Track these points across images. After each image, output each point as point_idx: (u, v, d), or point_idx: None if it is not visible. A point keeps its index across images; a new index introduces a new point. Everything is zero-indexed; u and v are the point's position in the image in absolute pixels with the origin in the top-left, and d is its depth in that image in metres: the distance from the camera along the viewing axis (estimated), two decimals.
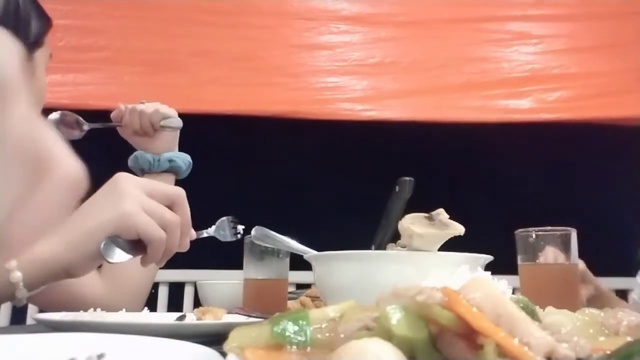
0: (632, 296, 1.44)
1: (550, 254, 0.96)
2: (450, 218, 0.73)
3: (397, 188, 0.81)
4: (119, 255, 0.66)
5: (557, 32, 2.38)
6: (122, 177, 0.71)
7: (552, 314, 0.42)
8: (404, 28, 2.37)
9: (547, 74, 2.33)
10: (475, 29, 2.38)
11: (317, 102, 2.24)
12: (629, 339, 0.36)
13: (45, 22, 0.91)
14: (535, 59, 2.35)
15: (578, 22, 2.39)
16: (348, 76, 2.31)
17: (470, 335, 0.28)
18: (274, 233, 0.92)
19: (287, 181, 2.13)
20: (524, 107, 2.29)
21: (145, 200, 0.68)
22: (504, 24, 2.40)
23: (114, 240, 0.66)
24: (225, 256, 1.41)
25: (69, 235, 0.68)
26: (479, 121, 2.24)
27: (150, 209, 0.68)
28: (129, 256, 0.67)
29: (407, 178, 0.81)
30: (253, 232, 0.92)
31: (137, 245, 0.68)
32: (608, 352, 0.31)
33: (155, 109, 1.13)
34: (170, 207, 0.71)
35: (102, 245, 0.65)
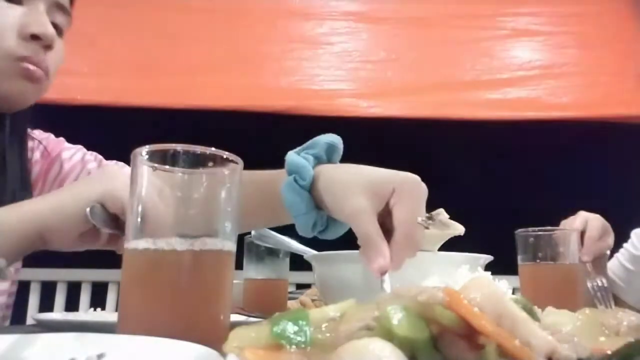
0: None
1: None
2: (450, 218, 0.73)
3: None
4: (102, 221, 0.66)
5: (564, 29, 2.37)
6: (114, 166, 0.72)
7: (552, 314, 0.42)
8: (409, 24, 2.36)
9: (553, 72, 2.32)
10: (481, 25, 2.37)
11: (320, 98, 2.23)
12: (629, 339, 0.36)
13: None
14: (542, 56, 2.34)
15: (585, 19, 2.38)
16: (351, 73, 2.30)
17: (471, 336, 0.28)
18: (274, 233, 0.92)
19: None
20: (531, 105, 2.28)
21: None
22: (510, 20, 2.39)
23: (99, 209, 0.67)
24: None
25: (53, 198, 0.69)
26: (484, 118, 2.23)
27: None
28: (109, 228, 0.68)
29: None
30: (253, 232, 0.92)
31: (117, 225, 0.68)
32: (609, 352, 0.31)
33: None
34: None
35: (88, 209, 0.65)
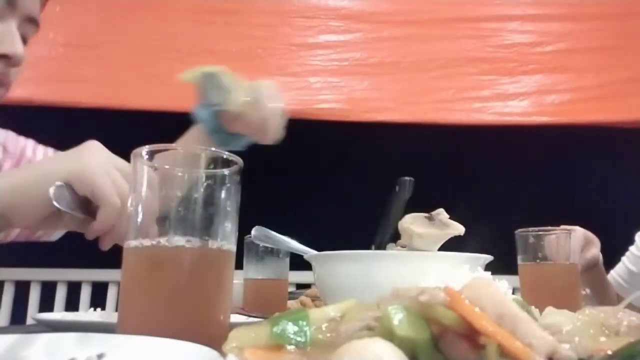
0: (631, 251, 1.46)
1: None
2: (450, 218, 0.73)
3: (397, 188, 0.81)
4: (67, 204, 0.61)
5: (558, 33, 2.38)
6: (94, 143, 0.67)
7: (552, 314, 0.42)
8: (405, 28, 2.37)
9: (547, 75, 2.33)
10: (475, 28, 2.38)
11: (317, 102, 2.24)
12: (629, 339, 0.35)
13: None
14: (536, 60, 2.34)
15: (579, 23, 2.38)
16: (348, 76, 2.31)
17: (472, 336, 0.28)
18: (274, 233, 0.92)
19: (287, 181, 2.13)
20: (525, 110, 2.28)
21: (112, 168, 0.64)
22: (504, 24, 2.39)
23: (65, 190, 0.61)
24: None
25: (17, 177, 0.64)
26: (478, 123, 2.23)
27: (113, 176, 0.63)
28: (76, 212, 0.62)
29: (407, 178, 0.81)
30: (253, 232, 0.92)
31: (87, 209, 0.63)
32: (609, 352, 0.31)
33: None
34: None
35: (52, 188, 0.60)
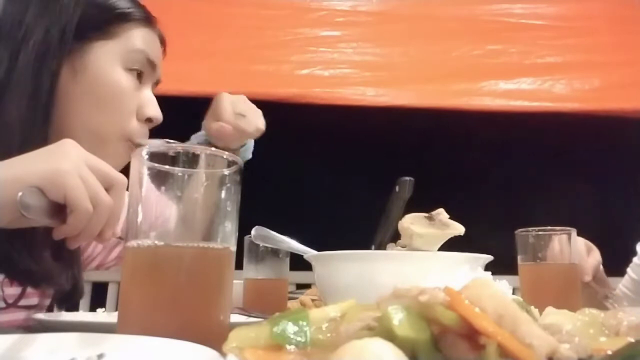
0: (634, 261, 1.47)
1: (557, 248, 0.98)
2: (450, 218, 0.73)
3: (397, 188, 0.81)
4: (36, 212, 0.57)
5: (580, 21, 2.35)
6: (68, 142, 0.64)
7: (552, 314, 0.42)
8: (418, 12, 2.33)
9: (563, 63, 2.30)
10: (491, 15, 2.35)
11: (326, 86, 2.19)
12: (629, 339, 0.36)
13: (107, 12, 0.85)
14: (551, 49, 2.32)
15: (602, 11, 2.35)
16: (358, 59, 2.26)
17: (472, 336, 0.28)
18: (274, 233, 0.92)
19: (287, 181, 2.12)
20: (553, 96, 2.25)
21: (85, 169, 0.61)
22: (526, 9, 2.37)
23: (36, 195, 0.57)
24: None
25: None
26: (491, 109, 2.21)
27: (86, 179, 0.60)
28: (45, 218, 0.59)
29: (407, 178, 0.81)
30: (253, 232, 0.92)
31: (57, 212, 0.60)
32: (609, 352, 0.31)
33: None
34: (107, 191, 0.62)
35: (20, 194, 0.55)
